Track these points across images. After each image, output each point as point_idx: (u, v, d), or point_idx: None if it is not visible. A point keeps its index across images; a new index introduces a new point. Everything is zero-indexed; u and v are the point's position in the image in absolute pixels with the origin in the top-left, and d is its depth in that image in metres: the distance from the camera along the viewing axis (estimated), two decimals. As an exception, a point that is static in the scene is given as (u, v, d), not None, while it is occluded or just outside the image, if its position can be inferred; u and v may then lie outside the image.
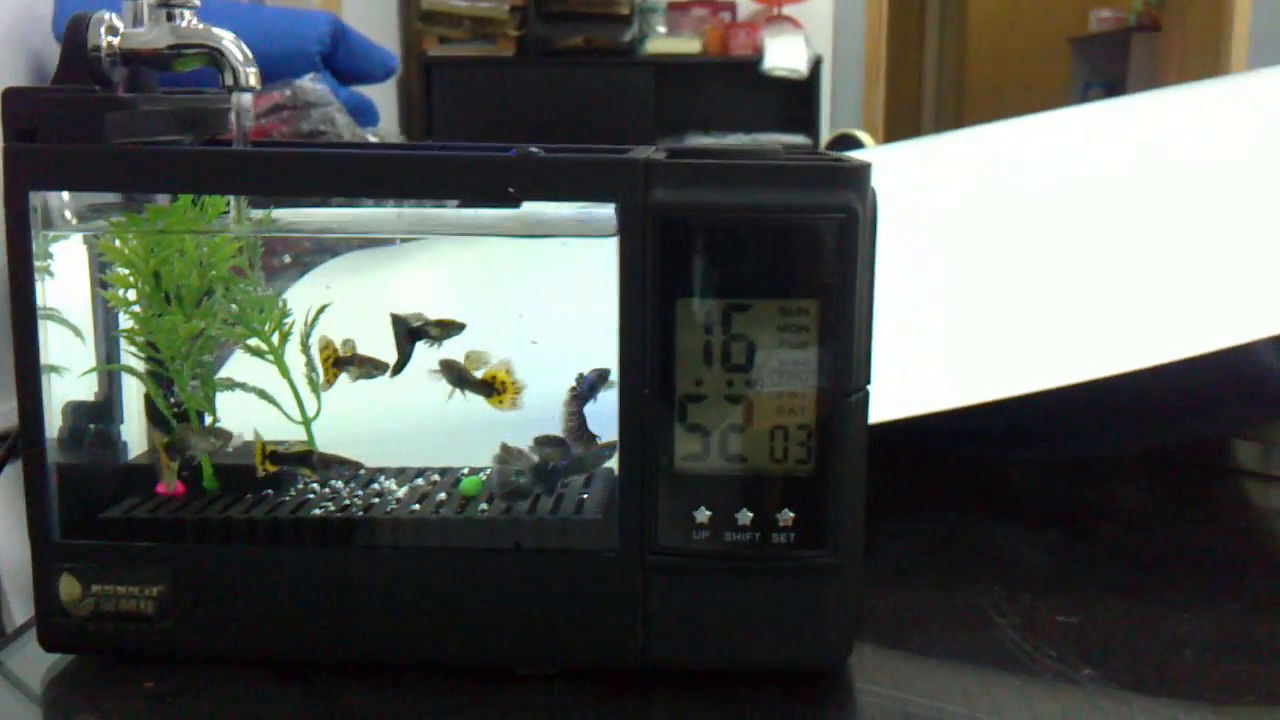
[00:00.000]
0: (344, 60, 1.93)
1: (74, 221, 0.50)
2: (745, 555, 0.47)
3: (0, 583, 1.32)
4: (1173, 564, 0.62)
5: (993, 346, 0.68)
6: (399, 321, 0.49)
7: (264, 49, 0.49)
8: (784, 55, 3.84)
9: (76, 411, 0.51)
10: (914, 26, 5.74)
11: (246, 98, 0.49)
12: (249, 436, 0.53)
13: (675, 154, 0.47)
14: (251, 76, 0.49)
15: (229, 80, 0.49)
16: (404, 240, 0.70)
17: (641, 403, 0.46)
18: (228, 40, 0.49)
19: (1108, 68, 5.18)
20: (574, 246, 0.49)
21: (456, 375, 0.50)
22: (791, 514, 0.47)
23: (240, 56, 0.48)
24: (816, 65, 3.96)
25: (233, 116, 0.49)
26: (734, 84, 4.05)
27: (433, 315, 0.49)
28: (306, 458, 0.50)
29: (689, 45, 4.04)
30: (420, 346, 0.50)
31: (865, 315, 0.46)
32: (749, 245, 0.45)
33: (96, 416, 0.53)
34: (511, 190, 0.45)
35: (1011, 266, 0.73)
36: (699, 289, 0.45)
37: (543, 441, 0.50)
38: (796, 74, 3.83)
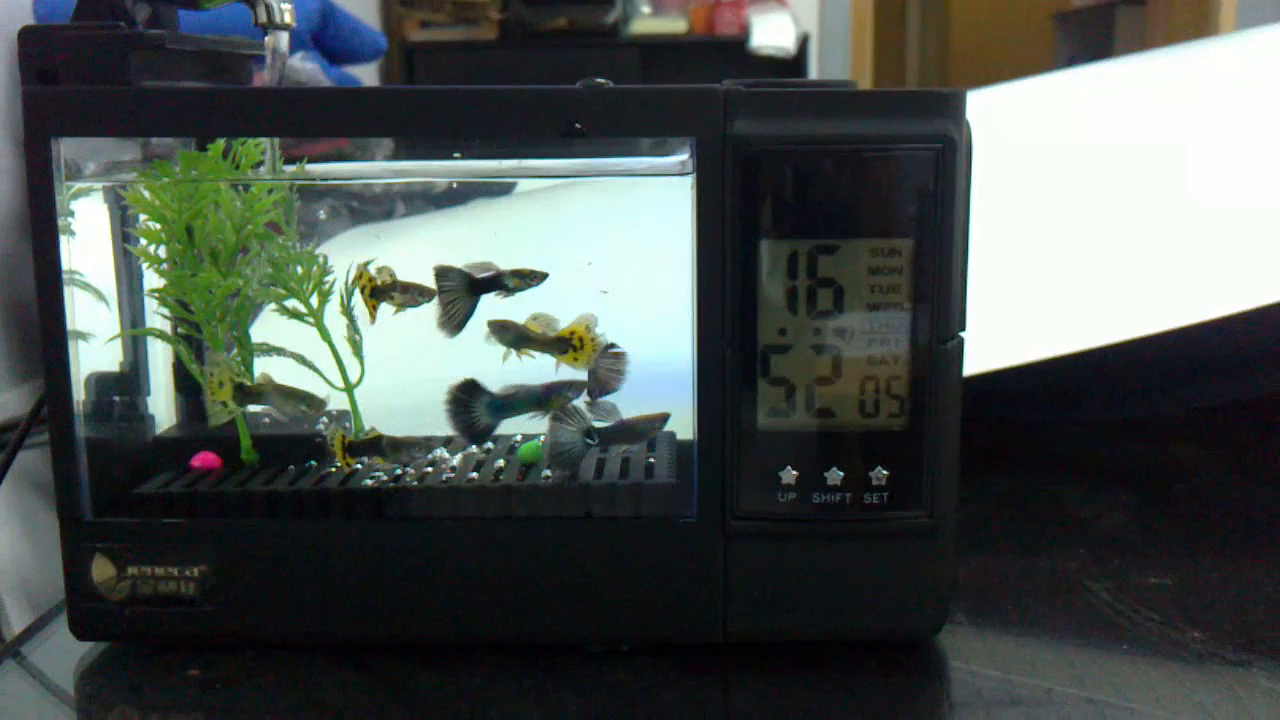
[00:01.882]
0: (333, 39, 1.88)
1: (95, 173, 0.46)
2: (835, 518, 0.43)
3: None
4: (1255, 521, 0.59)
5: (1048, 304, 0.65)
6: (453, 274, 0.45)
7: (252, 27, 0.45)
8: (771, 34, 3.79)
9: (101, 383, 0.47)
10: (896, 0, 5.71)
11: (283, 36, 0.45)
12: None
13: (748, 85, 0.44)
14: (287, 14, 0.45)
15: (262, 17, 0.45)
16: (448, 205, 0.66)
17: (720, 355, 0.43)
18: (259, -27, 0.45)
19: (1092, 43, 5.14)
20: (641, 189, 0.46)
21: (513, 335, 0.46)
22: (885, 472, 0.43)
23: (274, -10, 0.45)
24: (804, 43, 3.92)
25: (267, 55, 0.45)
26: (721, 64, 4.00)
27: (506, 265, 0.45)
28: (377, 444, 0.46)
29: (674, 25, 3.99)
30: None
31: (962, 254, 0.43)
32: (837, 180, 0.42)
33: (122, 388, 0.49)
34: (578, 125, 0.42)
35: (1070, 221, 0.69)
36: (783, 229, 0.42)
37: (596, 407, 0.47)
38: (784, 52, 3.79)
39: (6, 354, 1.61)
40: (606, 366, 0.46)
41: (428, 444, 0.48)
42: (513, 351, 0.47)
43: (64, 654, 0.46)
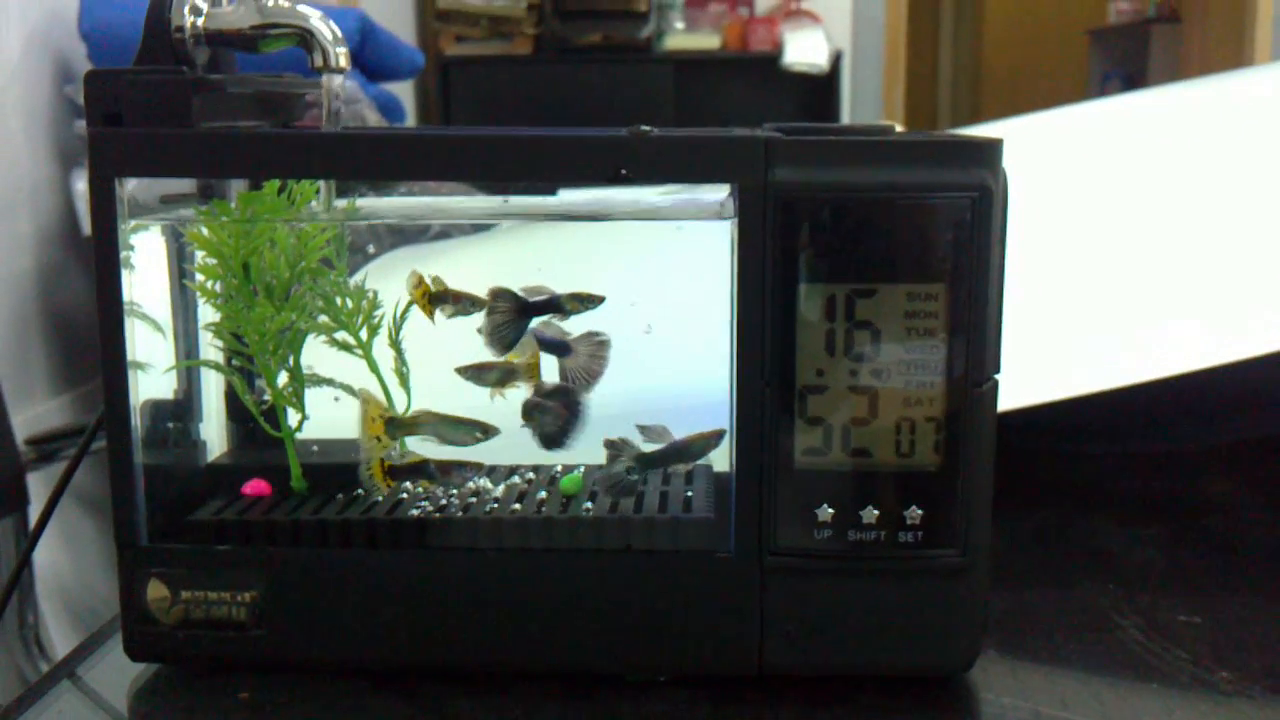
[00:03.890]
0: (372, 57, 1.90)
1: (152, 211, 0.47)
2: (870, 555, 0.44)
3: (36, 600, 1.30)
4: (1286, 560, 0.60)
5: (1084, 341, 0.66)
6: (506, 296, 0.47)
7: (305, 65, 0.47)
8: (804, 50, 3.80)
9: (156, 410, 0.49)
10: (929, 17, 5.71)
11: (337, 79, 0.47)
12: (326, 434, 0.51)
13: (788, 132, 0.45)
14: (342, 57, 0.46)
15: (319, 61, 0.46)
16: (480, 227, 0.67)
17: (759, 394, 0.44)
18: (316, 19, 0.46)
19: (1126, 60, 5.13)
20: (680, 230, 0.47)
21: (499, 373, 0.47)
22: (919, 511, 0.44)
23: (330, 36, 0.46)
24: (837, 60, 3.92)
25: (323, 98, 0.47)
26: (754, 80, 4.01)
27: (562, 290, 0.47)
28: (423, 467, 0.47)
29: (707, 41, 4.00)
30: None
31: (997, 299, 0.44)
32: (875, 227, 0.43)
33: (176, 415, 0.50)
34: (624, 172, 0.43)
35: (1105, 257, 0.70)
36: (821, 273, 0.43)
37: (647, 431, 0.48)
38: (817, 69, 3.80)
39: (48, 365, 1.64)
40: (588, 353, 0.47)
41: (477, 467, 0.49)
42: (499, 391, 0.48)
43: (118, 674, 0.47)
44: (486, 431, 0.47)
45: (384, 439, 0.47)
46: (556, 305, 0.47)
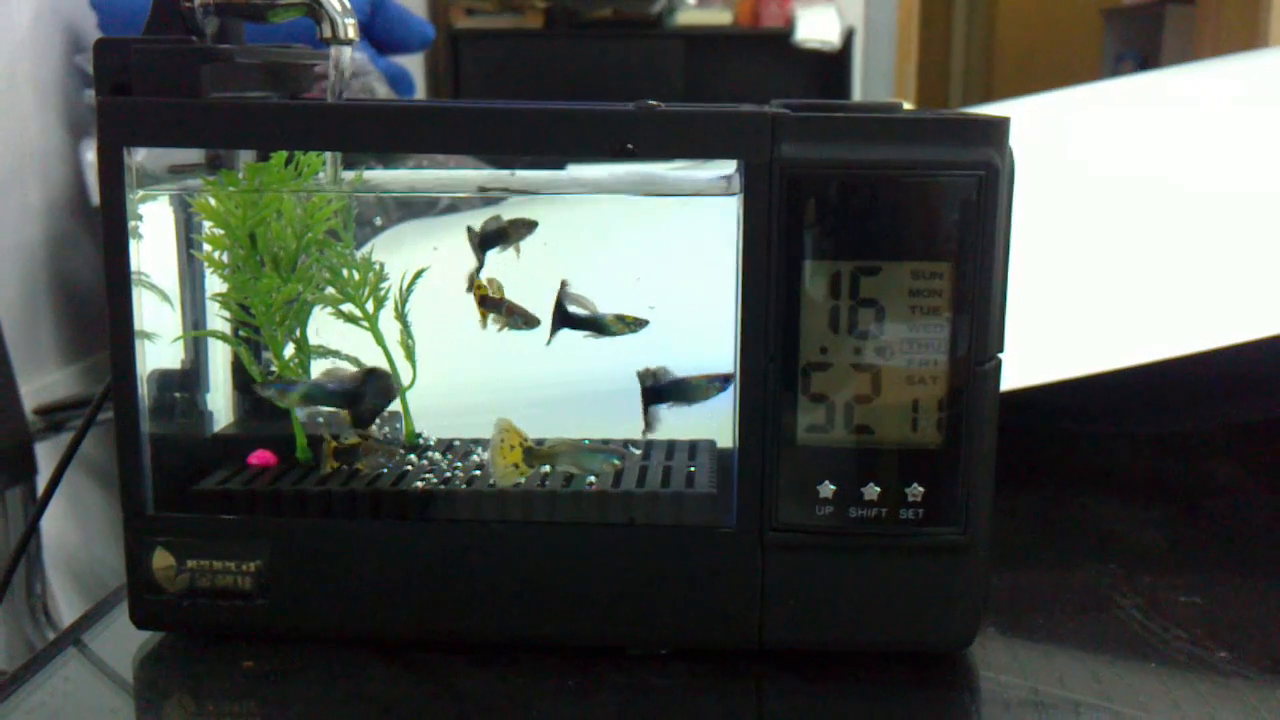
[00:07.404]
0: (382, 29, 1.90)
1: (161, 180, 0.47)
2: (871, 532, 0.45)
3: (44, 568, 1.30)
4: (1287, 542, 0.60)
5: (1089, 321, 0.66)
6: (559, 304, 0.47)
7: (314, 37, 0.47)
8: (816, 27, 3.78)
9: (163, 380, 0.49)
10: (943, -3, 5.67)
11: (345, 51, 0.47)
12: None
13: (795, 109, 0.45)
14: (350, 28, 0.46)
15: (327, 32, 0.46)
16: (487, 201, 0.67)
17: (762, 370, 0.44)
18: (325, -11, 0.46)
19: (1141, 41, 5.09)
20: (686, 206, 0.47)
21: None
22: (920, 489, 0.44)
23: (339, 7, 0.46)
24: (849, 37, 3.90)
25: (330, 70, 0.47)
26: (765, 56, 3.99)
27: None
28: (355, 451, 0.48)
29: (719, 17, 3.99)
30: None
31: (1001, 278, 0.44)
32: (881, 204, 0.43)
33: (183, 385, 0.51)
34: (630, 146, 0.43)
35: (1111, 238, 0.70)
36: (826, 250, 0.43)
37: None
38: (829, 46, 3.78)
39: (57, 335, 1.64)
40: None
41: (394, 453, 0.49)
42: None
43: (123, 642, 0.48)
44: (623, 456, 0.48)
45: (521, 467, 0.47)
46: (600, 325, 0.47)
